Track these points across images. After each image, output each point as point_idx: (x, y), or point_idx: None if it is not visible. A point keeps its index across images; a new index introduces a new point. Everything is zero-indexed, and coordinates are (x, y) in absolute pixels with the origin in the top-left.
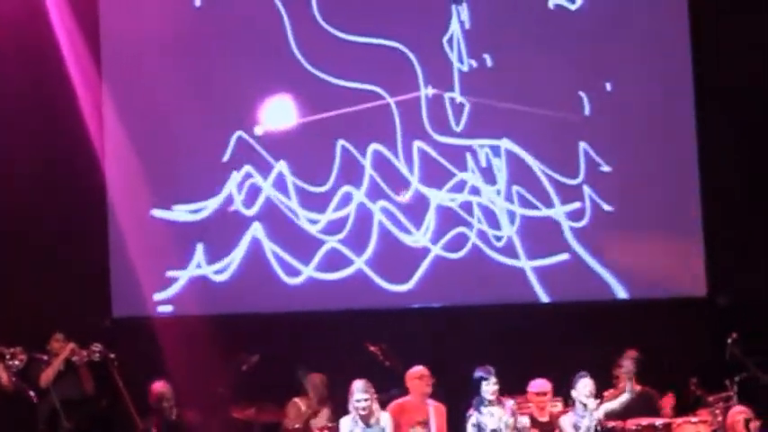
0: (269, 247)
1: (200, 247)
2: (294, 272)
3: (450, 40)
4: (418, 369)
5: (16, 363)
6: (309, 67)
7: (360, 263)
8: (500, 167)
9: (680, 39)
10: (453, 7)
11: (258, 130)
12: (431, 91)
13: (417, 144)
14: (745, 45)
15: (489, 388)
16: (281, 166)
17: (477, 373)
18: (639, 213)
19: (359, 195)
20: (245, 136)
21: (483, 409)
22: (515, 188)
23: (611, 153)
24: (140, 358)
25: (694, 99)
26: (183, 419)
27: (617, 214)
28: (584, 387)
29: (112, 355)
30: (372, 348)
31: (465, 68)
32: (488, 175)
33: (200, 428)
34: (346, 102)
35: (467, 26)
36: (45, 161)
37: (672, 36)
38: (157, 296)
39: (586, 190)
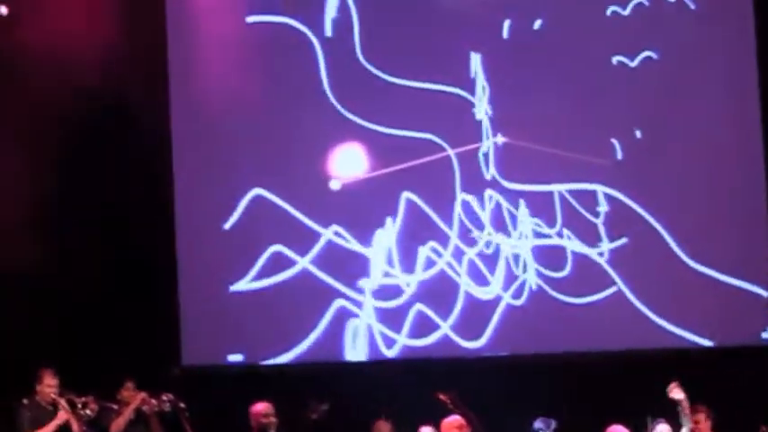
0: None
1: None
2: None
3: None
4: (454, 419)
5: (87, 412)
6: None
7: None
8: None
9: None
10: None
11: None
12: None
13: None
14: None
15: None
16: None
17: (536, 425)
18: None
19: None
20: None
21: None
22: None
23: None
24: (211, 408)
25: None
26: None
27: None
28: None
29: (183, 405)
30: (443, 397)
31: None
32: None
33: None
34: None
35: None
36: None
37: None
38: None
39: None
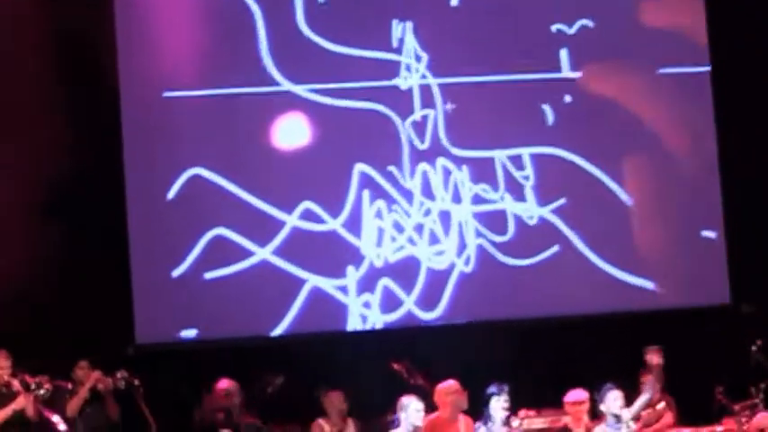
0: None
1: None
2: None
3: None
4: (451, 384)
5: (42, 392)
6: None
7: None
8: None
9: None
10: None
11: None
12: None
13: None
14: None
15: (498, 404)
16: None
17: (489, 390)
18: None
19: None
20: None
21: (492, 427)
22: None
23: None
24: (167, 385)
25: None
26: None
27: (638, 213)
28: (614, 399)
29: (137, 382)
30: (397, 367)
31: None
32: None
33: None
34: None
35: None
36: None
37: None
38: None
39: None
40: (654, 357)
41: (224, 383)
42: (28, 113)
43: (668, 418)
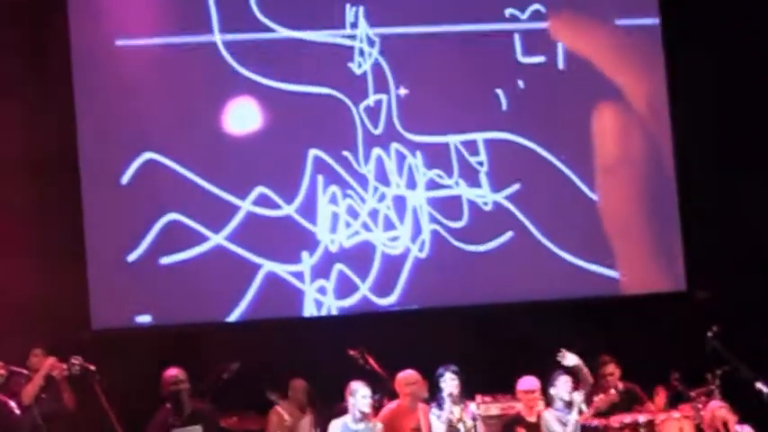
0: None
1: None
2: None
3: None
4: (412, 374)
5: None
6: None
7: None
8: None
9: None
10: None
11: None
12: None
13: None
14: None
15: (446, 384)
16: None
17: (437, 371)
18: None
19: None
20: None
21: (444, 406)
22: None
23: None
24: (123, 371)
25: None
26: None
27: (592, 198)
28: (564, 383)
29: (93, 368)
30: (353, 353)
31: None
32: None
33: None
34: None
35: None
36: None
37: None
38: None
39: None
40: (569, 360)
41: (172, 371)
42: None
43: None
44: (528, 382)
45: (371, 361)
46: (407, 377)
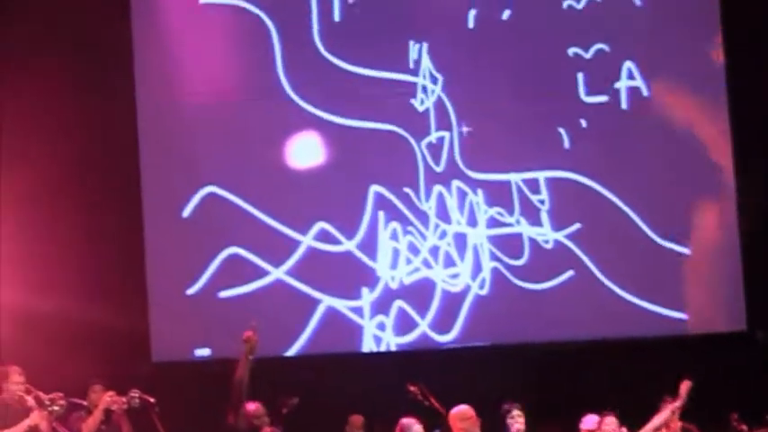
0: None
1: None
2: None
3: None
4: (466, 410)
5: (56, 408)
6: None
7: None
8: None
9: None
10: None
11: None
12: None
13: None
14: None
15: (513, 420)
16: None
17: (503, 407)
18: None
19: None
20: None
21: None
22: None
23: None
24: (183, 404)
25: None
26: None
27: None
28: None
29: (152, 400)
30: (412, 389)
31: None
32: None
33: None
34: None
35: None
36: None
37: None
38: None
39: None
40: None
41: (251, 406)
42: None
43: None
44: (590, 421)
45: (431, 397)
46: (461, 413)
